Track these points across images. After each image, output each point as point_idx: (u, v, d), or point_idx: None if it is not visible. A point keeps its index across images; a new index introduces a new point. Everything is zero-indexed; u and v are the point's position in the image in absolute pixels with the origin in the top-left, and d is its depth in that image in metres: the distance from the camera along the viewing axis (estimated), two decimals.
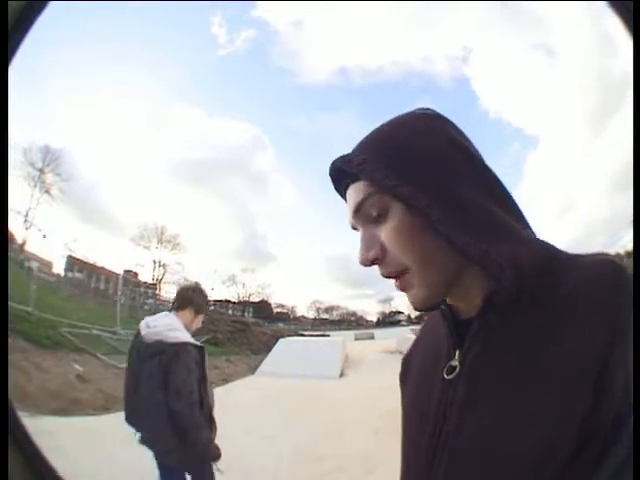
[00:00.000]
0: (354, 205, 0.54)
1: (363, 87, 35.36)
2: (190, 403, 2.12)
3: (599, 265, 0.48)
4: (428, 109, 0.58)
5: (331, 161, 0.55)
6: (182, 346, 2.18)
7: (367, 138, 0.56)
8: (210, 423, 2.26)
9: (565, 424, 0.42)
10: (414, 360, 0.70)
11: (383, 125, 0.57)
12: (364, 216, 0.53)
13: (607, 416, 0.41)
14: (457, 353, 0.54)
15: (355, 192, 0.53)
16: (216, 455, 2.20)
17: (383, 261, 0.52)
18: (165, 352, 2.14)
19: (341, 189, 0.58)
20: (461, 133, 0.57)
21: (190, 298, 2.43)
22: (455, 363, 0.54)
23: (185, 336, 2.25)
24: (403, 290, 0.54)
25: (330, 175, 0.58)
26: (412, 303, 0.54)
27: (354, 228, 0.56)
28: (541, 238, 0.54)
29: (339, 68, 40.44)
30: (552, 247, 0.52)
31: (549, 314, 0.47)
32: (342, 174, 0.55)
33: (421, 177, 0.50)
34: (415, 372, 0.67)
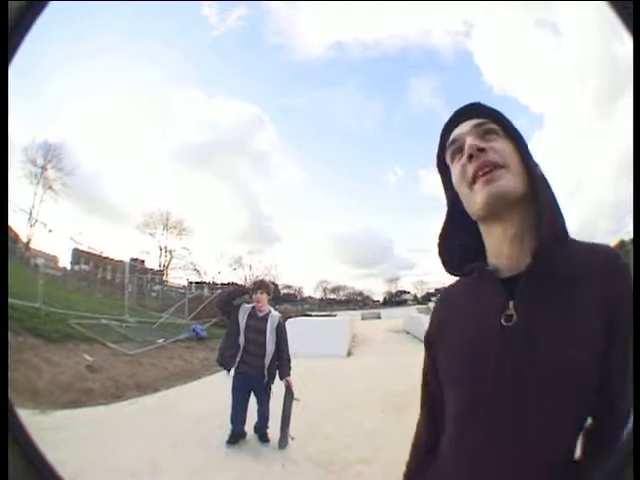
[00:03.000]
0: None
1: (362, 62, 34.56)
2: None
3: (601, 247, 0.70)
4: None
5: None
6: None
7: None
8: (241, 349, 4.07)
9: (594, 353, 0.62)
10: (452, 319, 0.83)
11: None
12: None
13: (613, 360, 0.62)
14: (511, 304, 0.69)
15: None
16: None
17: None
18: None
19: None
20: None
21: None
22: (511, 312, 0.68)
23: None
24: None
25: None
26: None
27: None
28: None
29: (336, 43, 39.51)
30: None
31: (568, 275, 0.67)
32: None
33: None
34: (458, 328, 0.79)
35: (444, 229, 0.86)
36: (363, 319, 21.16)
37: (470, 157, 0.73)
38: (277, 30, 37.75)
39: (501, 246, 0.75)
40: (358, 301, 34.26)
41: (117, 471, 3.59)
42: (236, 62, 41.69)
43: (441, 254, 0.85)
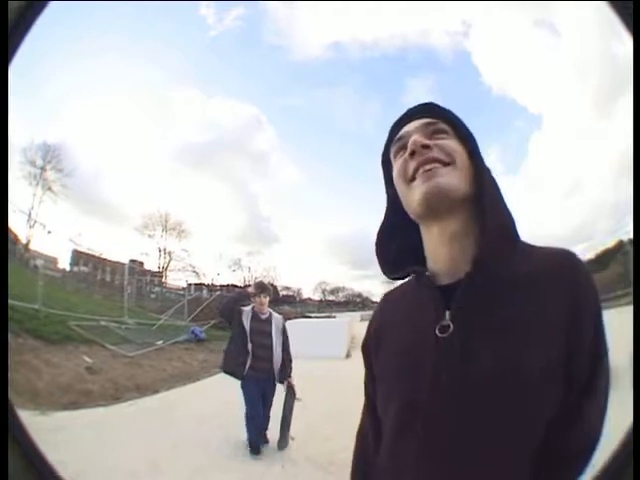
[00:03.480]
0: None
1: (360, 62, 34.54)
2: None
3: (557, 251, 0.64)
4: None
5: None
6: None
7: None
8: (250, 354, 4.03)
9: (550, 357, 0.56)
10: (387, 330, 0.77)
11: None
12: None
13: (580, 356, 0.57)
14: (447, 314, 0.64)
15: None
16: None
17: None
18: None
19: None
20: None
21: None
22: (447, 322, 0.63)
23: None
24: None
25: None
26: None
27: None
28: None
29: (334, 43, 39.45)
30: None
31: (513, 283, 0.62)
32: None
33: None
34: (393, 340, 0.74)
35: (382, 228, 0.80)
36: (362, 320, 21.11)
37: (413, 153, 0.68)
38: (275, 30, 37.72)
39: (440, 247, 0.69)
40: (357, 302, 34.15)
41: (117, 471, 3.60)
42: (234, 62, 41.62)
43: (379, 255, 0.79)
